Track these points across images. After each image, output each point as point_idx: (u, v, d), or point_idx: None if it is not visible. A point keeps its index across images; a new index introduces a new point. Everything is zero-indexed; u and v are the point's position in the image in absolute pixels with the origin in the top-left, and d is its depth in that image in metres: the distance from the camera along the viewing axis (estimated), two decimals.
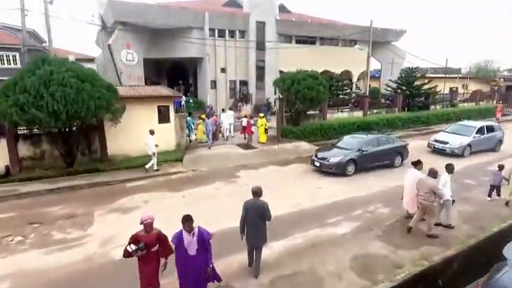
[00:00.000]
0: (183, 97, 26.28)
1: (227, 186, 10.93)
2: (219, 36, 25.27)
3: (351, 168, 12.04)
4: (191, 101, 23.81)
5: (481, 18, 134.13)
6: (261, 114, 16.76)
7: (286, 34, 28.94)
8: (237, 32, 25.84)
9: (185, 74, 32.39)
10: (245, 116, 18.39)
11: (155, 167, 12.33)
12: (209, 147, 15.10)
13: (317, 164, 12.28)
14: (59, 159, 12.28)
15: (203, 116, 15.74)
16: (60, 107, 10.05)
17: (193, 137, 15.65)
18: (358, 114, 21.06)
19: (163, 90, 14.91)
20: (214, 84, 25.78)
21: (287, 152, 15.12)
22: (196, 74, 27.99)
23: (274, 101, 28.56)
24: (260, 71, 27.13)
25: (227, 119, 17.59)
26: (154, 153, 12.19)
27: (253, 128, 15.73)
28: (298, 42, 30.03)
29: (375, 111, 21.94)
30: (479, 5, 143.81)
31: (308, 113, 18.08)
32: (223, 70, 25.91)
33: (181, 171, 12.49)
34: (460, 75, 41.33)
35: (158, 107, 14.23)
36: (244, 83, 27.15)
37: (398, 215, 8.62)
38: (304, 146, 16.15)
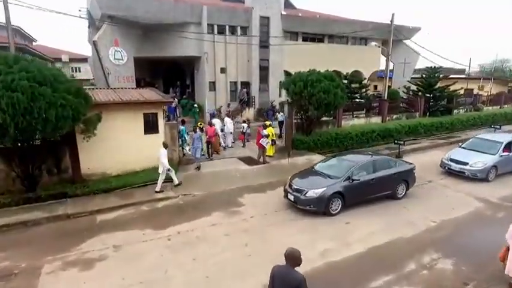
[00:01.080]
0: (175, 101, 24.03)
1: (227, 221, 8.45)
2: (219, 32, 22.79)
3: (336, 206, 8.77)
4: (195, 105, 21.39)
5: (491, 15, 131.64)
6: (268, 122, 14.27)
7: (292, 31, 26.45)
8: (239, 28, 23.36)
9: (182, 75, 29.90)
10: (244, 121, 15.96)
11: (175, 181, 10.80)
12: (197, 168, 12.18)
13: (291, 197, 9.04)
14: (18, 181, 9.83)
15: (201, 124, 13.27)
16: (7, 119, 7.60)
17: (187, 149, 13.12)
18: (376, 120, 18.59)
19: (151, 94, 12.46)
20: (213, 85, 23.31)
21: (298, 168, 12.65)
22: (194, 75, 25.51)
23: (281, 105, 26.16)
24: (264, 71, 24.66)
25: (229, 125, 15.21)
26: (169, 169, 10.50)
27: (264, 142, 12.95)
28: (305, 40, 27.57)
29: (394, 116, 19.46)
30: (486, 4, 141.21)
31: (320, 119, 15.59)
32: (223, 70, 23.45)
33: (169, 196, 10.02)
34: (476, 77, 38.81)
35: (145, 114, 11.78)
36: (246, 85, 24.69)
37: (468, 276, 6.15)
38: (317, 158, 13.67)
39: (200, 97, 24.14)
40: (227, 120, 15.41)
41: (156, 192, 10.16)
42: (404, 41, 32.51)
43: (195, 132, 12.59)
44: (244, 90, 24.04)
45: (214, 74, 23.21)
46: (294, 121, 14.93)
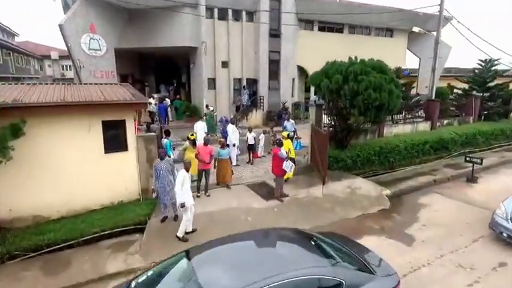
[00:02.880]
0: (166, 100, 19.86)
1: None
2: (220, 18, 18.60)
3: None
4: (211, 107, 17.03)
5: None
6: (285, 133, 10.02)
7: (307, 19, 22.26)
8: (244, 13, 19.16)
9: (177, 71, 25.75)
10: (250, 131, 11.66)
11: (190, 228, 6.73)
12: (175, 217, 7.26)
13: None
14: None
15: (192, 136, 9.04)
16: None
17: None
18: (423, 126, 14.33)
19: (118, 92, 8.24)
20: (212, 83, 19.11)
21: (339, 202, 8.42)
22: (190, 71, 21.34)
23: (295, 106, 21.94)
24: (274, 65, 20.44)
25: (233, 135, 10.96)
26: (182, 206, 6.39)
27: (289, 167, 8.18)
28: (321, 30, 23.37)
29: (445, 121, 15.20)
30: None
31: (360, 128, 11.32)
32: (224, 64, 19.26)
33: (134, 268, 5.78)
34: None
35: (105, 123, 7.61)
36: (253, 82, 20.49)
37: None
38: (362, 185, 9.44)
39: (197, 97, 19.93)
40: (230, 128, 11.16)
41: (178, 238, 6.40)
42: (433, 32, 28.38)
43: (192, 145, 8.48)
44: (245, 91, 19.72)
45: (214, 69, 19.00)
46: (323, 128, 10.70)
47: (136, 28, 18.07)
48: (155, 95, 21.52)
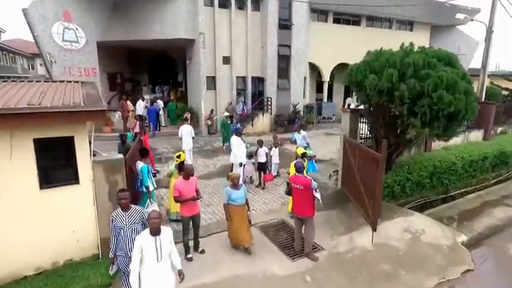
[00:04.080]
0: (158, 102, 17.02)
1: None
2: (221, 6, 15.77)
3: None
4: (226, 114, 14.03)
5: None
6: (301, 150, 7.20)
7: (321, 9, 19.45)
8: (249, 0, 16.37)
9: (174, 68, 22.92)
10: (259, 144, 8.75)
11: None
12: None
13: None
14: None
15: (182, 156, 6.21)
16: None
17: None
18: (475, 136, 11.46)
19: (70, 92, 5.44)
20: (212, 82, 16.28)
21: (400, 259, 5.58)
22: (186, 68, 18.54)
23: (307, 109, 19.09)
24: (283, 62, 17.60)
25: (238, 150, 8.09)
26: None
27: (318, 195, 5.39)
28: (336, 21, 20.56)
29: (498, 129, 12.37)
30: None
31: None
32: (226, 60, 16.42)
33: None
34: None
35: (39, 142, 4.81)
36: (259, 81, 17.65)
37: None
38: (425, 227, 6.58)
39: (194, 98, 17.12)
40: (234, 140, 8.27)
41: None
42: (459, 26, 25.58)
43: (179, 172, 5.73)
44: (241, 99, 16.75)
45: (214, 66, 16.17)
46: (359, 140, 7.87)
47: (122, 17, 15.24)
48: (147, 96, 18.78)
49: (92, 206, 5.32)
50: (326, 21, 20.08)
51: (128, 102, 16.15)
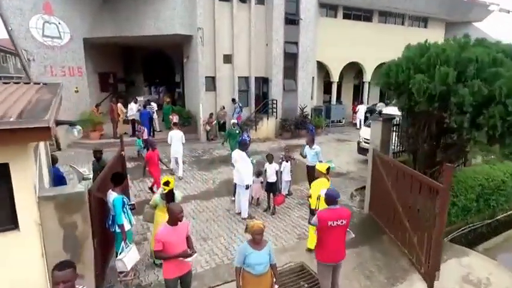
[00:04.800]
0: (152, 105, 15.41)
1: None
2: None
3: None
4: (234, 122, 10.82)
5: None
6: (324, 166, 5.39)
7: (330, 3, 17.93)
8: None
9: (170, 68, 21.36)
10: (268, 160, 7.14)
11: None
12: None
13: None
14: None
15: (171, 183, 4.60)
16: None
17: (128, 264, 4.36)
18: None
19: (12, 98, 3.92)
20: (212, 82, 14.73)
21: None
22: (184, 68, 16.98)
23: (315, 112, 17.49)
24: (290, 60, 16.05)
25: (243, 167, 6.48)
26: None
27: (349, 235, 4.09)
28: (347, 17, 19.03)
29: None
30: None
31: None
32: (227, 59, 14.88)
33: None
34: None
35: None
36: (263, 82, 16.10)
37: None
38: (488, 274, 5.05)
39: (192, 101, 15.57)
40: (237, 155, 6.68)
41: None
42: (474, 23, 24.04)
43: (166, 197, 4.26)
44: (237, 105, 14.68)
45: (214, 65, 14.62)
46: (391, 155, 6.32)
47: (113, 11, 13.69)
48: (141, 98, 17.23)
49: (40, 259, 3.78)
50: (335, 16, 18.58)
51: (120, 104, 14.61)
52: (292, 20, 15.46)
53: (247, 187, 6.36)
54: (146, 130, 13.75)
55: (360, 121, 18.03)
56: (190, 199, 7.83)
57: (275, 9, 14.89)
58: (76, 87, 13.35)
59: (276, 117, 15.71)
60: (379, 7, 19.20)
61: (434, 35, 22.38)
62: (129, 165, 10.73)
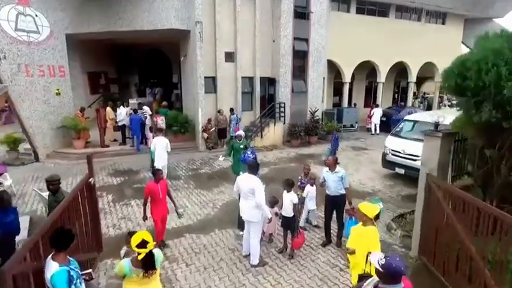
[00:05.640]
0: (144, 109, 13.66)
1: None
2: None
3: None
4: (239, 134, 8.42)
5: None
6: (375, 210, 3.63)
7: None
8: None
9: (167, 67, 19.68)
10: (285, 188, 5.39)
11: None
12: None
13: None
14: None
15: (150, 244, 2.95)
16: None
17: None
18: None
19: None
20: (212, 83, 13.06)
21: None
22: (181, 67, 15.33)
23: (327, 116, 15.78)
24: (299, 59, 14.38)
25: (262, 194, 4.78)
26: None
27: None
28: (360, 12, 17.39)
29: None
30: None
31: None
32: (229, 57, 13.20)
33: None
34: None
35: None
36: (269, 83, 14.44)
37: None
38: None
39: (190, 104, 13.88)
40: (250, 183, 4.90)
41: None
42: (495, 19, 22.39)
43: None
44: (235, 116, 12.96)
45: (215, 64, 12.96)
46: (447, 178, 4.68)
47: (100, 3, 12.06)
48: (134, 101, 15.64)
49: None
50: (348, 10, 16.96)
51: (109, 109, 13.03)
52: (302, 13, 13.81)
53: (270, 220, 4.72)
54: (136, 138, 12.13)
55: (375, 126, 16.37)
56: (184, 232, 6.16)
57: (283, 1, 13.24)
58: (58, 89, 11.70)
59: (284, 122, 14.04)
60: (395, 1, 17.55)
61: (453, 32, 20.79)
62: (114, 180, 9.11)
